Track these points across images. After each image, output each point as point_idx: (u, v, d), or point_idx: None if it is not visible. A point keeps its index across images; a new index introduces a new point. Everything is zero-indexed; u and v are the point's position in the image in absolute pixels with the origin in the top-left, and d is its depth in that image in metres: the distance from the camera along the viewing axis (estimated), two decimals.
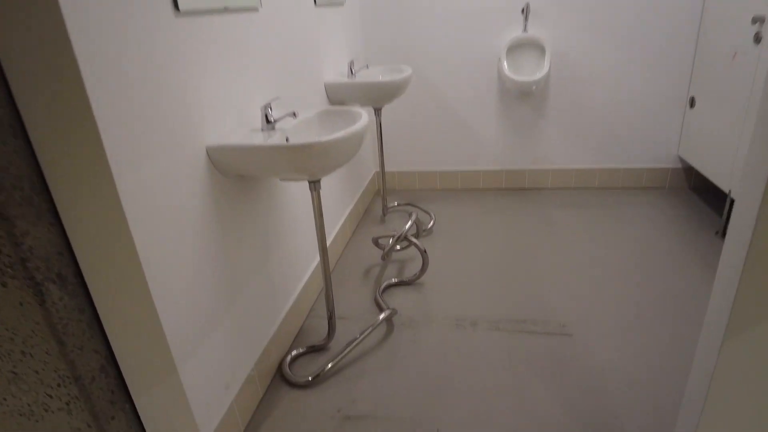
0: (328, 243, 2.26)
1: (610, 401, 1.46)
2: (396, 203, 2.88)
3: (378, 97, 2.26)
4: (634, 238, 2.37)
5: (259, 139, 1.38)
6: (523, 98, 2.86)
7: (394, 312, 1.86)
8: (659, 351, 1.64)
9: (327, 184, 2.27)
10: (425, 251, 2.05)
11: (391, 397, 1.53)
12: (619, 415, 1.40)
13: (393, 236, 2.06)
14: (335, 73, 2.36)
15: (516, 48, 2.76)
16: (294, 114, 1.41)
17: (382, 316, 1.79)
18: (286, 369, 1.66)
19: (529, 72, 2.75)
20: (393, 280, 2.11)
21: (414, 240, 2.03)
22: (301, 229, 1.93)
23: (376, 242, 2.13)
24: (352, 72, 2.37)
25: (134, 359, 1.20)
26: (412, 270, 2.22)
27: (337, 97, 2.26)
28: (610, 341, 1.70)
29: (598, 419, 1.40)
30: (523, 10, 2.69)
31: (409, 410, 1.48)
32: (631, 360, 1.61)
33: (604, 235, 2.42)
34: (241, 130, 1.43)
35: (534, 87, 2.64)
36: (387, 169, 3.17)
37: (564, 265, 2.18)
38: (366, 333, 1.73)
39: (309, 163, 1.29)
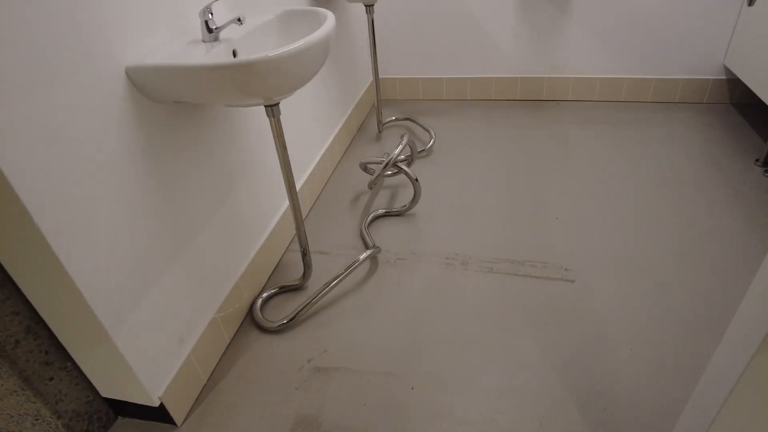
0: (314, 164, 2.04)
1: (611, 361, 1.29)
2: (394, 117, 2.59)
3: None
4: (659, 163, 2.08)
5: (199, 53, 1.11)
6: (547, 2, 2.43)
7: (377, 250, 1.67)
8: (671, 303, 1.45)
9: (312, 95, 1.99)
10: (417, 180, 1.82)
11: (366, 347, 1.40)
12: (620, 378, 1.25)
13: (381, 162, 1.82)
14: None
15: None
16: (239, 20, 1.12)
17: (362, 255, 1.61)
18: (257, 312, 1.52)
19: None
20: (381, 210, 1.90)
21: (404, 168, 1.80)
22: (274, 154, 1.71)
23: (364, 168, 1.90)
24: None
25: (61, 321, 1.05)
26: (403, 199, 2.01)
27: None
28: (616, 289, 1.51)
29: (596, 381, 1.24)
30: None
31: (384, 363, 1.35)
32: (639, 312, 1.42)
33: (625, 159, 2.13)
34: (176, 42, 1.16)
35: None
36: (386, 75, 2.83)
37: (574, 196, 1.93)
38: (343, 275, 1.57)
39: (255, 86, 1.03)
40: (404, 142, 1.82)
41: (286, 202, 1.80)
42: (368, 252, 1.63)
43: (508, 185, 2.02)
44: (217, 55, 1.14)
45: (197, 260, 1.31)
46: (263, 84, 1.03)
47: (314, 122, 2.04)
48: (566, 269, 1.60)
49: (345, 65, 2.36)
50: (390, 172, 2.05)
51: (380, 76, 2.84)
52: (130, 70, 1.03)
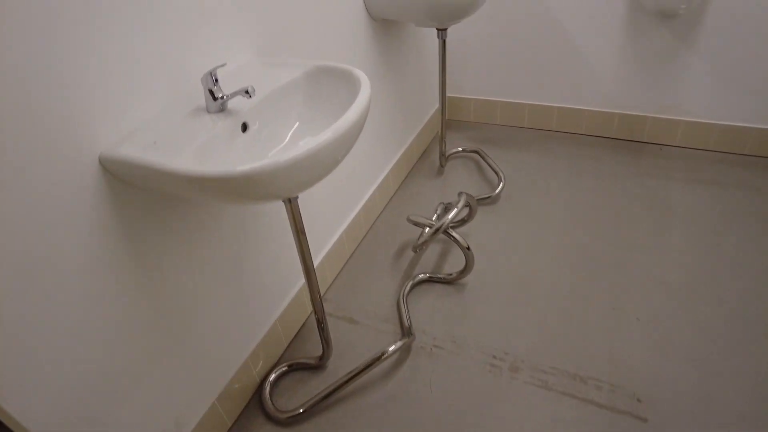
0: (360, 206, 1.80)
1: None
2: (461, 149, 2.28)
3: (446, 15, 1.59)
4: None
5: (199, 130, 0.90)
6: (663, 20, 1.98)
7: (411, 339, 1.43)
8: None
9: (366, 127, 1.75)
10: (469, 248, 1.53)
11: None
12: None
13: (431, 224, 1.55)
14: None
15: None
16: (247, 92, 0.89)
17: (392, 347, 1.37)
18: (266, 397, 1.34)
19: None
20: (425, 275, 1.64)
21: (456, 236, 1.52)
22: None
23: (414, 220, 1.64)
24: None
25: None
26: (454, 261, 1.73)
27: (383, 11, 1.63)
28: None
29: None
30: None
31: None
32: None
33: (745, 239, 1.71)
34: (175, 111, 0.95)
35: (684, 6, 1.77)
36: (461, 94, 2.51)
37: (667, 288, 1.56)
38: (367, 369, 1.34)
39: (257, 194, 0.81)
40: (460, 205, 1.53)
41: (322, 253, 1.59)
42: (400, 343, 1.39)
43: (585, 260, 1.68)
44: (221, 133, 0.92)
45: (196, 347, 1.13)
46: (265, 191, 0.80)
47: (365, 158, 1.80)
48: (639, 399, 1.27)
49: (411, 89, 2.08)
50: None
51: (454, 95, 2.53)
52: (105, 160, 0.84)
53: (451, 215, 1.50)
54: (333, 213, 1.65)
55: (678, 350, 1.38)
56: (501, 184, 2.01)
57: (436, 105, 2.44)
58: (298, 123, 1.05)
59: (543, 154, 2.25)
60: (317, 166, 0.83)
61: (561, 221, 1.86)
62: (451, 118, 2.60)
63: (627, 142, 2.28)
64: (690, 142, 2.19)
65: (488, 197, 1.96)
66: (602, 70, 2.18)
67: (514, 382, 1.34)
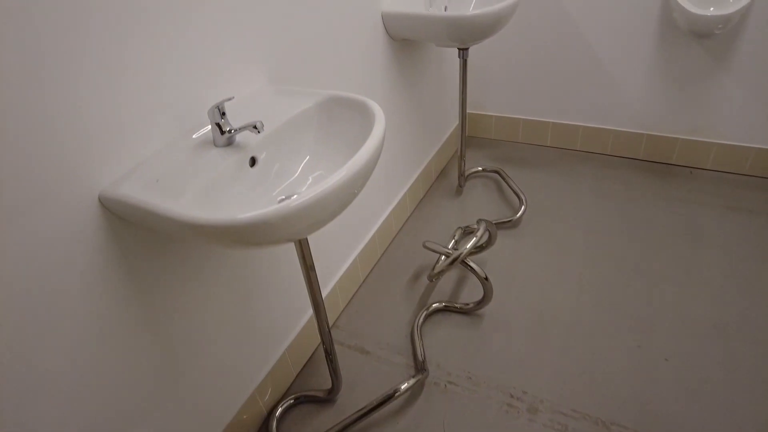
0: (375, 228, 1.75)
1: None
2: (481, 168, 2.22)
3: (467, 36, 1.53)
4: None
5: (207, 164, 0.86)
6: (697, 40, 1.89)
7: (424, 376, 1.37)
8: None
9: (384, 147, 1.70)
10: (487, 279, 1.47)
11: None
12: None
13: (446, 253, 1.49)
14: None
15: None
16: (255, 127, 0.85)
17: (405, 385, 1.31)
18: (273, 431, 1.30)
19: (717, 2, 1.76)
20: (441, 304, 1.58)
21: (473, 266, 1.45)
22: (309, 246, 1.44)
23: (430, 247, 1.58)
24: None
25: None
26: (471, 289, 1.67)
27: (402, 31, 1.58)
28: None
29: None
30: None
31: None
32: None
33: None
34: (181, 145, 0.91)
35: (721, 26, 1.68)
36: (482, 111, 2.45)
37: (698, 326, 1.47)
38: (377, 407, 1.28)
39: (259, 240, 0.76)
40: (479, 233, 1.47)
41: (326, 291, 1.54)
42: (413, 381, 1.33)
43: (609, 292, 1.60)
44: (228, 168, 0.88)
45: (203, 379, 1.09)
46: (270, 239, 0.75)
47: (382, 179, 1.75)
48: None
49: (430, 106, 2.03)
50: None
51: (475, 111, 2.47)
52: (104, 199, 0.81)
53: (469, 245, 1.44)
54: (346, 237, 1.60)
55: (709, 395, 1.29)
56: (522, 207, 1.94)
57: (456, 122, 2.37)
58: (308, 157, 1.00)
59: (566, 175, 2.17)
60: (326, 210, 0.78)
61: (584, 249, 1.77)
62: (471, 135, 2.54)
63: (655, 164, 2.19)
64: (723, 165, 2.09)
65: (509, 221, 1.89)
66: (630, 89, 2.09)
67: (532, 425, 1.27)
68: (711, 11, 1.68)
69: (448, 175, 2.25)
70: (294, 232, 0.76)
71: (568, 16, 2.03)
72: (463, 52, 1.73)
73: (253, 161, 0.94)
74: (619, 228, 1.85)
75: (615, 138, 2.23)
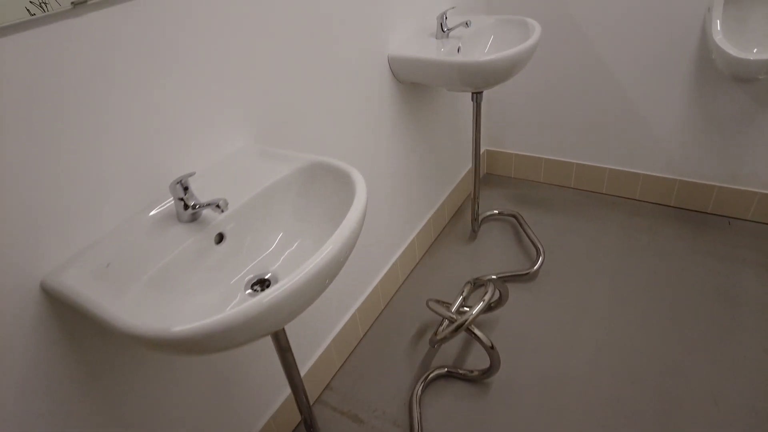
0: (378, 278, 1.65)
1: None
2: (497, 211, 2.09)
3: (481, 82, 1.42)
4: None
5: (167, 247, 0.77)
6: (738, 84, 1.73)
7: None
8: None
9: (393, 188, 1.60)
10: (493, 347, 1.34)
11: None
12: None
13: (449, 318, 1.37)
14: (412, 30, 1.55)
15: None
16: (219, 206, 0.76)
17: None
18: None
19: (762, 43, 1.61)
20: (444, 369, 1.46)
21: (478, 333, 1.33)
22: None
23: (433, 309, 1.46)
24: (443, 30, 1.54)
25: None
26: (478, 355, 1.53)
27: (410, 76, 1.48)
28: None
29: None
30: None
31: None
32: None
33: None
34: (140, 221, 0.83)
35: (765, 74, 1.52)
36: (500, 148, 2.32)
37: (738, 408, 1.31)
38: None
39: (202, 353, 0.66)
40: (487, 297, 1.35)
41: (320, 349, 1.44)
42: None
43: (632, 362, 1.45)
44: (190, 248, 0.79)
45: None
46: (217, 347, 0.66)
47: (388, 225, 1.64)
48: None
49: (443, 147, 1.92)
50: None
51: (493, 148, 2.34)
52: (46, 288, 0.73)
53: (475, 311, 1.31)
54: (347, 288, 1.50)
55: None
56: (540, 258, 1.80)
57: (471, 164, 2.26)
58: (282, 232, 0.90)
59: (590, 221, 2.02)
60: (287, 309, 0.68)
61: (606, 309, 1.62)
62: (490, 172, 2.42)
63: (688, 213, 2.02)
64: (766, 216, 1.90)
65: (525, 274, 1.76)
66: (662, 131, 1.94)
67: None
68: (755, 54, 1.53)
69: (463, 217, 2.13)
70: (247, 338, 0.67)
71: (595, 52, 1.90)
72: (477, 95, 1.62)
73: (220, 237, 0.85)
74: (645, 285, 1.69)
75: (644, 182, 2.07)
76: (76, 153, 0.74)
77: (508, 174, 2.37)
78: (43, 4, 0.66)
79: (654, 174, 2.04)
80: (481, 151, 2.34)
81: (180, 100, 0.88)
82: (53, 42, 0.69)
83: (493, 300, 1.47)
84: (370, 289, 1.62)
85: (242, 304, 0.63)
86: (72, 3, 0.69)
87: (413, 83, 1.57)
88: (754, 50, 1.64)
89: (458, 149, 2.07)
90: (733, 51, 1.53)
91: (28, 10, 0.65)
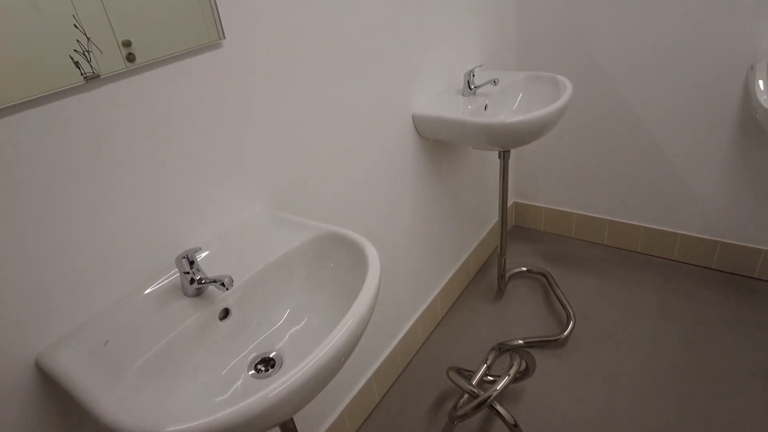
0: (397, 340, 1.58)
1: None
2: (525, 269, 2.01)
3: (510, 142, 1.38)
4: None
5: (170, 323, 0.74)
6: None
7: None
8: None
9: (413, 244, 1.55)
10: (517, 425, 1.24)
11: None
12: None
13: (471, 392, 1.29)
14: (439, 87, 1.53)
15: None
16: (224, 284, 0.73)
17: None
18: None
19: None
20: None
21: (501, 409, 1.24)
22: None
23: (454, 381, 1.38)
24: (470, 87, 1.51)
25: None
26: (502, 430, 1.43)
27: (435, 134, 1.46)
28: None
29: None
30: None
31: None
32: None
33: None
34: (144, 295, 0.80)
35: None
36: (529, 201, 2.26)
37: None
38: None
39: None
40: (513, 370, 1.26)
41: (333, 416, 1.37)
42: None
43: None
44: (193, 325, 0.75)
45: None
46: None
47: (409, 283, 1.58)
48: None
49: (469, 201, 1.87)
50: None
51: (523, 201, 2.28)
52: (41, 365, 0.70)
53: (499, 387, 1.23)
54: (363, 350, 1.44)
55: None
56: (570, 323, 1.70)
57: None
58: (290, 309, 0.86)
59: (624, 282, 1.91)
60: (291, 404, 0.63)
61: (641, 384, 1.50)
62: (519, 224, 2.34)
63: (732, 277, 1.89)
64: None
65: (555, 340, 1.66)
66: (702, 191, 1.84)
67: None
68: None
69: (489, 274, 2.05)
70: None
71: (629, 106, 1.83)
72: (505, 153, 1.58)
73: (225, 312, 0.81)
74: (685, 359, 1.57)
75: (683, 242, 1.96)
76: (81, 224, 0.72)
77: (538, 227, 2.29)
78: (84, 60, 0.66)
79: (693, 234, 1.93)
80: (510, 203, 2.28)
81: (191, 169, 0.86)
82: (65, 115, 0.68)
83: (519, 371, 1.37)
84: (388, 351, 1.55)
85: (245, 401, 0.58)
86: (84, 77, 0.68)
87: (437, 141, 1.54)
88: None
89: (485, 202, 2.02)
90: None
91: (71, 57, 0.66)
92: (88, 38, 0.68)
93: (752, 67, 1.56)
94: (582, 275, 1.97)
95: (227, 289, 0.75)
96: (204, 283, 0.77)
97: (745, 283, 1.85)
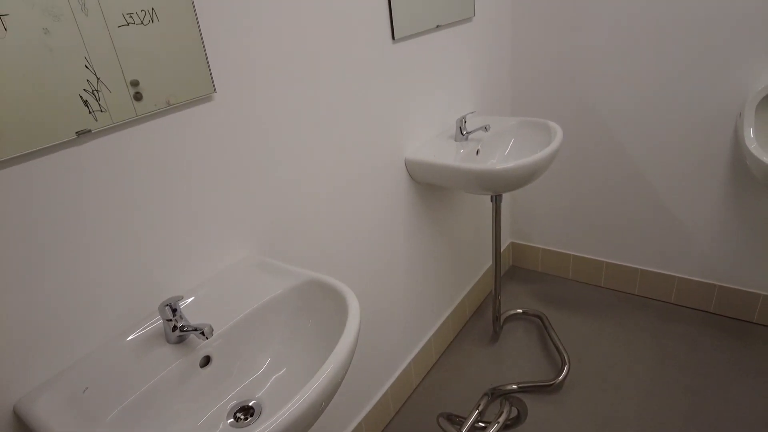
0: (395, 375, 1.56)
1: None
2: (521, 310, 1.99)
3: (501, 186, 1.40)
4: None
5: (150, 371, 0.75)
6: None
7: None
8: None
9: (407, 286, 1.55)
10: None
11: None
12: None
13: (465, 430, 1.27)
14: (432, 132, 1.57)
15: None
16: (203, 333, 0.74)
17: None
18: None
19: None
20: None
21: None
22: None
23: (444, 429, 1.35)
24: (462, 133, 1.54)
25: None
26: None
27: (427, 179, 1.48)
28: None
29: None
30: None
31: None
32: None
33: None
34: (125, 342, 0.81)
35: None
36: (527, 242, 2.26)
37: None
38: None
39: None
40: (502, 418, 1.24)
41: None
42: None
43: None
44: (173, 372, 0.76)
45: None
46: None
47: (402, 324, 1.58)
48: None
49: (463, 243, 1.88)
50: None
51: (520, 242, 2.28)
52: (19, 413, 0.71)
53: (491, 431, 1.21)
54: (353, 394, 1.42)
55: None
56: (565, 368, 1.68)
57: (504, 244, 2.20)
58: (271, 358, 0.87)
59: (621, 325, 1.90)
60: None
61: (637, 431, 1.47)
62: (516, 264, 2.34)
63: (731, 321, 1.87)
64: None
65: (549, 384, 1.63)
66: (698, 235, 1.84)
67: None
68: None
69: (485, 315, 2.04)
70: None
71: (623, 149, 1.86)
72: (497, 197, 1.59)
73: (207, 360, 0.82)
74: (684, 408, 1.53)
75: (680, 286, 1.94)
76: (64, 272, 0.74)
77: (536, 268, 2.29)
78: (93, 98, 0.69)
79: (691, 277, 1.92)
80: (507, 243, 2.28)
81: (177, 218, 0.88)
82: (55, 169, 0.71)
83: (509, 418, 1.35)
84: (379, 395, 1.53)
85: None
86: (76, 133, 0.71)
87: (430, 184, 1.56)
88: None
89: (480, 244, 2.03)
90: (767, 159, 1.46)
91: (80, 96, 0.70)
92: (98, 78, 0.72)
93: (741, 114, 1.59)
94: (579, 317, 1.96)
95: (207, 338, 0.75)
96: (186, 330, 0.78)
97: (744, 328, 1.83)
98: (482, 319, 2.02)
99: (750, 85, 1.59)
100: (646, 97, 1.74)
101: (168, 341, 0.81)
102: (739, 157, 1.67)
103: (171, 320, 0.79)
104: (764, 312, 1.81)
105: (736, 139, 1.66)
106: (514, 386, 1.62)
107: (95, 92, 0.72)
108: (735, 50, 1.56)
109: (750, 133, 1.54)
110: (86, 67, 0.71)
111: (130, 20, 0.75)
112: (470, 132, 1.54)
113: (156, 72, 0.79)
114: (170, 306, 0.77)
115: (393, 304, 1.52)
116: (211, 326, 0.75)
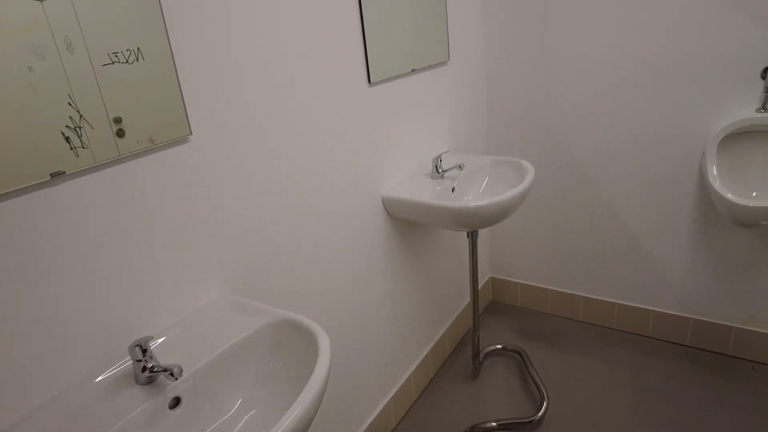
0: (373, 416, 1.54)
1: None
2: (500, 346, 2.00)
3: (476, 224, 1.43)
4: None
5: (117, 413, 0.74)
6: (741, 229, 1.71)
7: None
8: None
9: (389, 313, 1.55)
10: None
11: None
12: None
13: None
14: (409, 170, 1.60)
15: (739, 140, 1.63)
16: (173, 374, 0.73)
17: None
18: None
19: (762, 186, 1.60)
20: None
21: None
22: None
23: None
24: (438, 171, 1.58)
25: None
26: None
27: (404, 216, 1.51)
28: None
29: None
30: (765, 72, 1.56)
31: None
32: None
33: None
34: (93, 382, 0.80)
35: (766, 221, 1.50)
36: (506, 276, 2.28)
37: None
38: None
39: None
40: None
41: None
42: None
43: None
44: (141, 414, 0.75)
45: None
46: None
47: (380, 363, 1.57)
48: None
49: (441, 280, 1.90)
50: None
51: (499, 276, 2.31)
52: None
53: None
54: None
55: None
56: (544, 404, 1.68)
57: (482, 280, 2.21)
58: (241, 400, 0.86)
59: (600, 359, 1.91)
60: None
61: None
62: (496, 299, 2.36)
63: (706, 354, 1.89)
64: None
65: (528, 421, 1.63)
66: (670, 270, 1.88)
67: None
68: (754, 199, 1.51)
69: (464, 351, 2.04)
70: None
71: (596, 187, 1.91)
72: (473, 233, 1.62)
73: (177, 401, 0.81)
74: None
75: (656, 319, 1.97)
76: (32, 312, 0.74)
77: (515, 303, 2.31)
78: (75, 135, 0.70)
79: (666, 311, 1.95)
80: (486, 278, 2.30)
81: (148, 258, 0.89)
82: (27, 210, 0.72)
83: None
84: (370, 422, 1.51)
85: None
86: (50, 174, 0.73)
87: (407, 221, 1.59)
88: (753, 194, 1.63)
89: (458, 279, 2.04)
90: (731, 196, 1.52)
91: (62, 132, 0.71)
92: (80, 114, 0.74)
93: (704, 153, 1.66)
94: (558, 352, 1.96)
95: (176, 379, 0.75)
96: (156, 371, 0.78)
97: (719, 360, 1.85)
98: (462, 356, 2.01)
99: (712, 125, 1.67)
100: (617, 139, 1.81)
101: (137, 382, 0.80)
102: (705, 195, 1.73)
103: (141, 361, 0.78)
104: (738, 344, 1.84)
105: (701, 177, 1.72)
106: (494, 423, 1.61)
107: (77, 129, 0.74)
108: (696, 94, 1.64)
109: (713, 171, 1.60)
110: (69, 104, 0.73)
111: (115, 59, 0.77)
112: (446, 170, 1.59)
113: (138, 110, 0.81)
114: (140, 346, 0.77)
115: (371, 342, 1.52)
116: (180, 367, 0.75)
